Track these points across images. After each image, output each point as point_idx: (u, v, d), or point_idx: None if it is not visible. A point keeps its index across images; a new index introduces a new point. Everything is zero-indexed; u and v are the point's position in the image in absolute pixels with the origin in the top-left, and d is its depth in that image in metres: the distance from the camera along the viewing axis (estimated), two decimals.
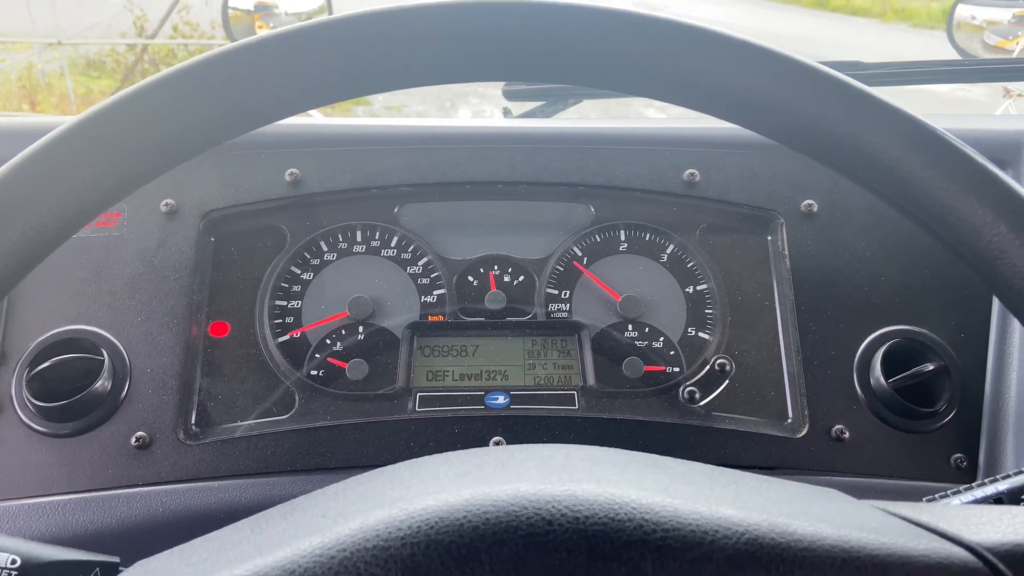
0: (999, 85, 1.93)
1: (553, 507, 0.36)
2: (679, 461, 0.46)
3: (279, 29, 0.49)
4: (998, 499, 0.57)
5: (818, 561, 0.36)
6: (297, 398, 0.90)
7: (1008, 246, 0.48)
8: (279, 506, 0.43)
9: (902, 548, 0.38)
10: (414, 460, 0.44)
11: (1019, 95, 1.92)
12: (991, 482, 0.59)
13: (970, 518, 0.42)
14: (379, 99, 7.24)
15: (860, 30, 11.32)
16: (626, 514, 0.36)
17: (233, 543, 0.40)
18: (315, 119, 1.13)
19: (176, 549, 0.41)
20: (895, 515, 0.42)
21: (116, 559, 0.55)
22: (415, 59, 0.50)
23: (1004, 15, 1.90)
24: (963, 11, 1.89)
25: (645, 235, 0.99)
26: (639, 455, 0.45)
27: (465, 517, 0.35)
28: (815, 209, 0.96)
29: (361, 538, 0.35)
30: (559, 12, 0.50)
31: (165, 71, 0.48)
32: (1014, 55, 1.76)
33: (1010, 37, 1.88)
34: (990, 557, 0.38)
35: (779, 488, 0.45)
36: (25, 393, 0.83)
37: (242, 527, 0.42)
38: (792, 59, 0.51)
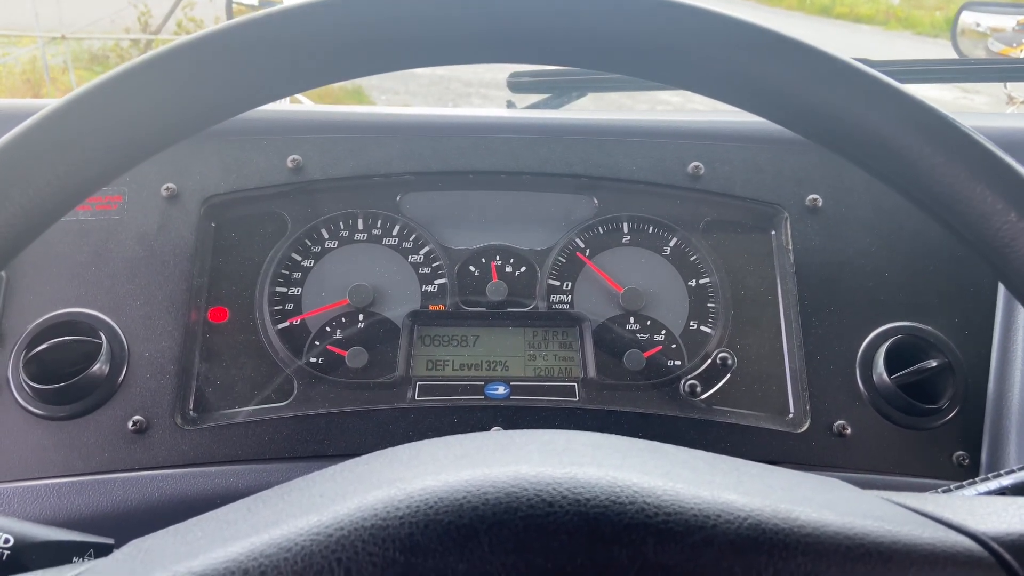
0: (1003, 93, 1.93)
1: (554, 489, 0.35)
2: (681, 448, 0.45)
3: (273, 8, 0.48)
4: (1002, 493, 0.57)
5: (822, 548, 0.35)
6: (296, 385, 0.89)
7: (1018, 234, 0.48)
8: (277, 487, 0.43)
9: (907, 536, 0.37)
10: (414, 443, 0.44)
11: (1023, 102, 1.92)
12: (995, 477, 0.58)
13: (976, 508, 0.42)
14: (382, 98, 7.26)
15: (864, 37, 11.33)
16: (628, 497, 0.35)
17: (229, 522, 0.39)
18: (319, 106, 1.13)
19: (171, 528, 0.41)
20: (900, 504, 0.42)
21: (110, 540, 0.55)
22: (408, 39, 0.50)
23: (1008, 22, 1.90)
24: (967, 18, 1.89)
25: (648, 228, 0.98)
26: (641, 441, 0.45)
27: (465, 498, 0.35)
28: (819, 204, 0.95)
29: (359, 517, 0.34)
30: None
31: (165, 47, 0.48)
32: None
33: (1014, 44, 1.88)
34: (995, 547, 0.38)
35: (782, 476, 0.44)
36: (22, 375, 0.83)
37: (239, 507, 0.41)
38: (804, 44, 0.50)
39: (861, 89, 0.50)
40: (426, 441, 0.44)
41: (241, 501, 0.42)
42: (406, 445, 0.44)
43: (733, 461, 0.44)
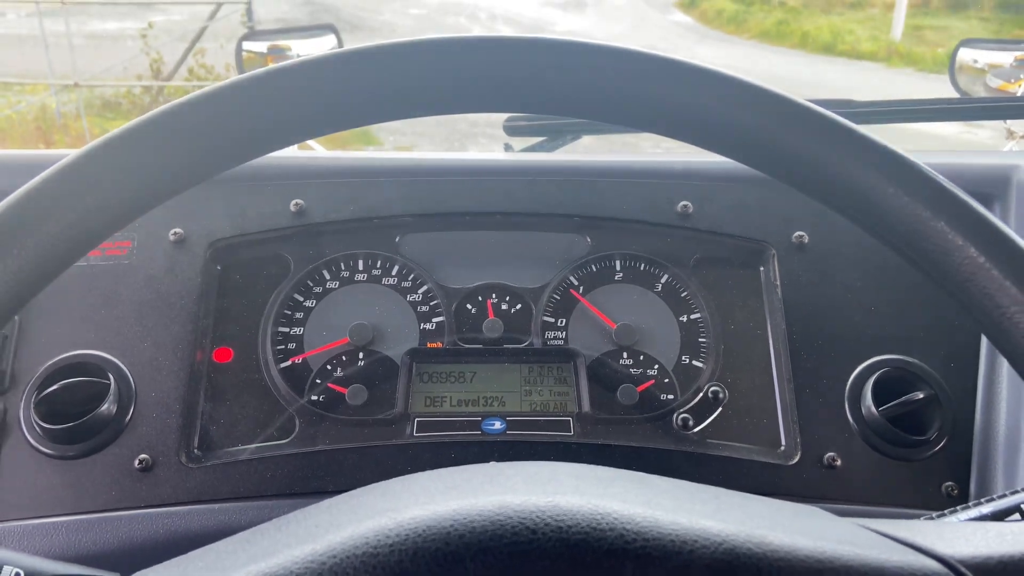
0: (1003, 127, 1.95)
1: (537, 517, 0.37)
2: (664, 478, 0.47)
3: (285, 63, 0.52)
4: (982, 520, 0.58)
5: (793, 571, 0.37)
6: (298, 423, 0.91)
7: (977, 269, 0.50)
8: (276, 519, 0.45)
9: (876, 560, 0.39)
10: (407, 476, 0.46)
11: (1023, 136, 1.94)
12: (975, 505, 0.60)
13: (945, 533, 0.43)
14: (389, 139, 7.33)
15: (867, 75, 11.40)
16: (608, 524, 0.37)
17: (228, 553, 0.41)
18: (320, 152, 1.16)
19: (175, 560, 0.43)
20: (872, 530, 0.43)
21: (116, 575, 0.57)
22: (413, 91, 0.53)
23: (1006, 58, 1.92)
24: (965, 54, 1.91)
25: (640, 265, 1.01)
26: (625, 472, 0.46)
27: (452, 526, 0.36)
28: (806, 240, 0.98)
29: (351, 545, 0.36)
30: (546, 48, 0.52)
31: (171, 103, 0.51)
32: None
33: (1012, 80, 1.89)
34: (963, 570, 0.39)
35: (760, 504, 0.46)
36: (33, 416, 0.85)
37: (239, 538, 0.43)
38: (768, 91, 0.53)
39: (823, 133, 0.52)
40: (418, 474, 0.46)
41: (242, 533, 0.44)
42: (400, 478, 0.46)
43: (715, 490, 0.46)
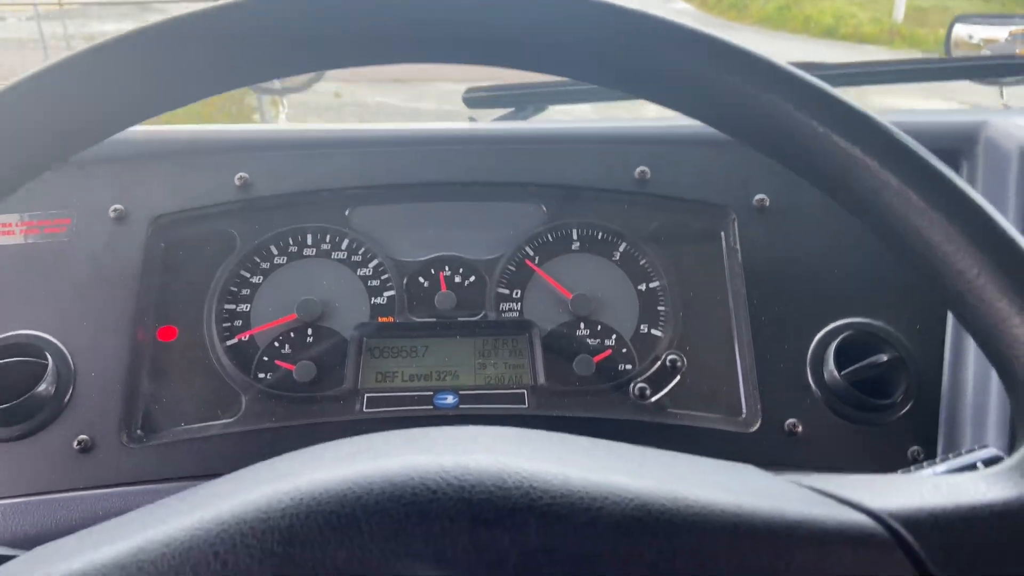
0: (998, 96, 1.93)
1: (440, 477, 0.35)
2: (593, 440, 0.45)
3: (188, 12, 0.49)
4: None
5: (708, 526, 0.35)
6: (244, 401, 0.89)
7: (910, 213, 0.48)
8: (187, 490, 0.43)
9: (797, 513, 0.37)
10: (331, 442, 0.44)
11: (1020, 109, 1.92)
12: (929, 464, 0.57)
13: (875, 486, 0.41)
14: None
15: (870, 57, 11.34)
16: (514, 482, 0.35)
17: (126, 524, 0.39)
18: (267, 125, 1.14)
19: (76, 534, 0.41)
20: (802, 485, 0.41)
21: (17, 553, 0.55)
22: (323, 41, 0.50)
23: (1001, 33, 1.90)
24: (960, 30, 1.90)
25: (597, 234, 0.98)
26: (553, 435, 0.44)
27: (349, 488, 0.35)
28: (767, 203, 0.95)
29: (241, 511, 0.34)
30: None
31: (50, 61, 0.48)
32: None
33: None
34: (890, 522, 0.37)
35: (688, 461, 0.44)
36: None
37: (144, 509, 0.41)
38: (699, 33, 0.50)
39: (759, 78, 0.50)
40: (341, 440, 0.44)
41: (149, 505, 0.42)
42: (322, 445, 0.44)
43: (642, 450, 0.44)
